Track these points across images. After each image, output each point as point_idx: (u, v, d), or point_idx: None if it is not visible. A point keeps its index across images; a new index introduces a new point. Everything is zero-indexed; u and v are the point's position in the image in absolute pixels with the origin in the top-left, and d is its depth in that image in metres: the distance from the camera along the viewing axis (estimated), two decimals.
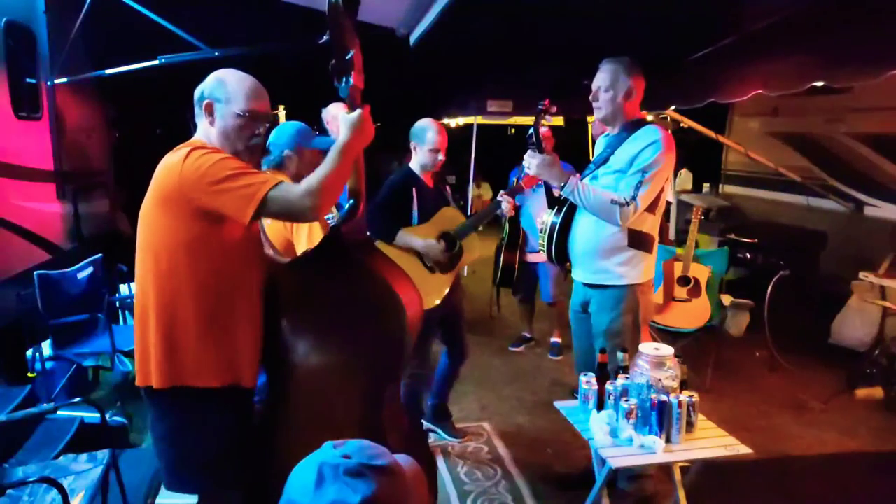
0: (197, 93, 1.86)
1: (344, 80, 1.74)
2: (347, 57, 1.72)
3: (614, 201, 2.55)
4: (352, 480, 0.87)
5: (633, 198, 2.54)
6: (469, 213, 3.83)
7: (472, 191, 8.50)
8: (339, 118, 1.87)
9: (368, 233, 1.97)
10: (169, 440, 1.89)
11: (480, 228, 3.40)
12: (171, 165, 1.75)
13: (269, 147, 2.63)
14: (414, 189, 3.18)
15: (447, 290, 3.18)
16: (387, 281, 1.89)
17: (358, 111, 1.79)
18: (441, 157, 3.18)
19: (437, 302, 3.10)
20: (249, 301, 1.87)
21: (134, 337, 1.86)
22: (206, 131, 1.86)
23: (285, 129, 2.68)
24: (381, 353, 1.88)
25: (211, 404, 1.83)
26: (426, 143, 3.16)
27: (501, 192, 3.42)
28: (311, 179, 1.73)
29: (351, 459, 0.89)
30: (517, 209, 4.61)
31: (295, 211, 1.75)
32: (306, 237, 2.50)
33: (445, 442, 3.47)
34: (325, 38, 1.73)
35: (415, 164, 3.24)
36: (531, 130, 2.70)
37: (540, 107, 2.73)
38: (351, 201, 1.92)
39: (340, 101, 1.84)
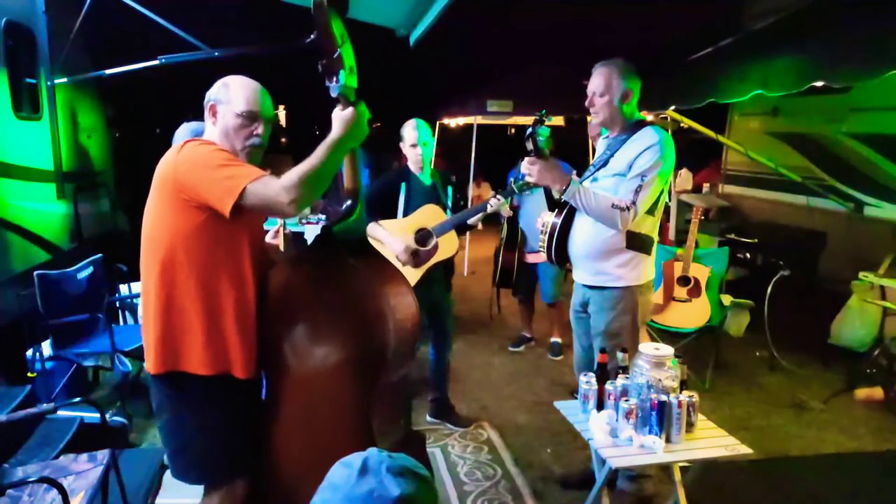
0: (206, 98, 1.95)
1: (334, 79, 1.73)
2: (335, 56, 1.70)
3: (614, 206, 2.54)
4: (394, 477, 0.93)
5: (633, 202, 2.53)
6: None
7: (471, 190, 8.49)
8: None
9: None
10: (168, 428, 1.95)
11: (479, 227, 3.49)
12: (168, 156, 1.84)
13: None
14: (404, 184, 3.40)
15: (414, 283, 3.23)
16: (377, 283, 1.89)
17: (351, 109, 1.76)
18: (418, 152, 3.37)
19: None
20: (242, 293, 1.90)
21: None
22: (210, 132, 1.95)
23: None
24: (368, 355, 1.87)
25: (204, 392, 1.87)
26: (405, 139, 3.39)
27: (493, 193, 3.53)
28: (291, 174, 1.72)
29: (395, 460, 0.96)
30: (515, 210, 4.62)
31: (271, 205, 1.74)
32: None
33: (446, 441, 3.48)
34: (311, 37, 1.72)
35: (409, 161, 3.45)
36: (529, 131, 2.68)
37: (538, 115, 2.71)
38: (348, 202, 1.91)
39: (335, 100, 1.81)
